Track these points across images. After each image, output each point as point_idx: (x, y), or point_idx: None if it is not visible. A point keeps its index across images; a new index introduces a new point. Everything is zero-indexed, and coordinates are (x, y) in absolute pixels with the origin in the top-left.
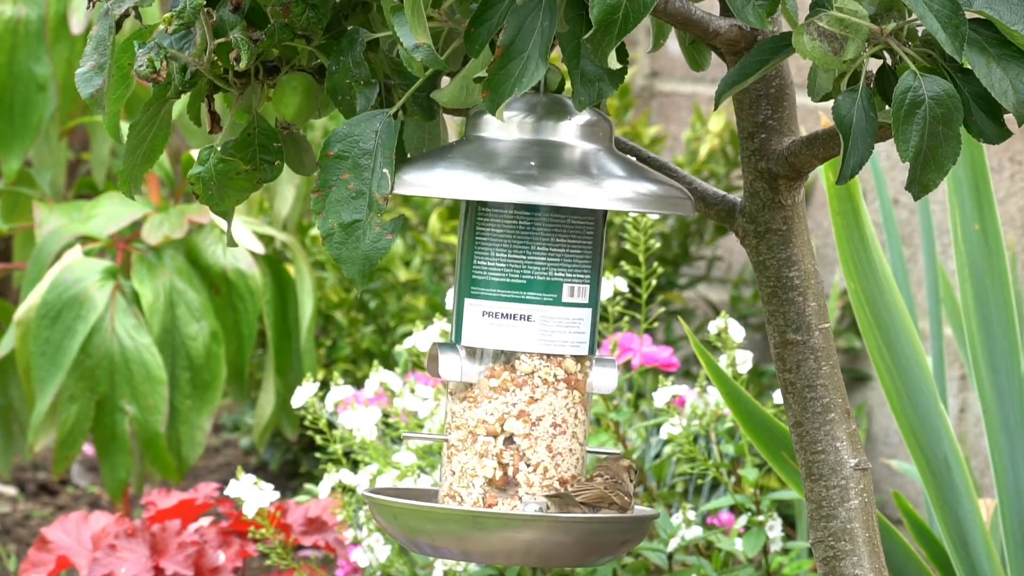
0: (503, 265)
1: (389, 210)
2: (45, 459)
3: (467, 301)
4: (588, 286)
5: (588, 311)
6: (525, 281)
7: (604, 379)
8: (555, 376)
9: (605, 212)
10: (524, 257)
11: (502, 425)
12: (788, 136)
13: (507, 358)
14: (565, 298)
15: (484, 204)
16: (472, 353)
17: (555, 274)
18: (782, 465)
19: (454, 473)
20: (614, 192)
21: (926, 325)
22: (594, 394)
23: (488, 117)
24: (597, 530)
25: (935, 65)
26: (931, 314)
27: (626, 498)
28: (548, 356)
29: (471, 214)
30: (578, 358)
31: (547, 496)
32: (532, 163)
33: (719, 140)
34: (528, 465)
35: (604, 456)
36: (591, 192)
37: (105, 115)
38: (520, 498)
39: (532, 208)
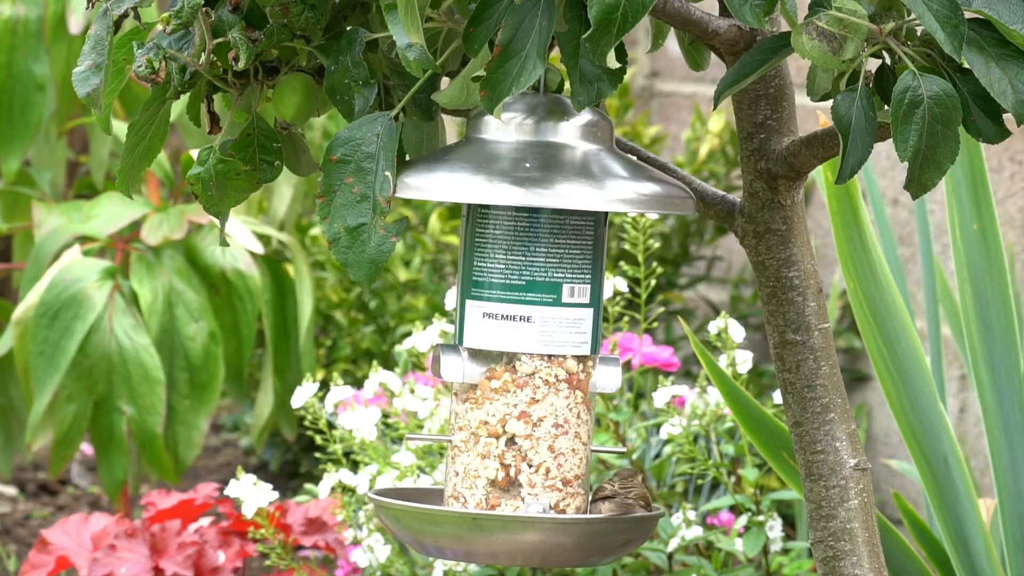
0: (503, 266)
1: (390, 211)
2: (45, 459)
3: (468, 302)
4: (589, 286)
5: (589, 311)
6: (525, 282)
7: (607, 378)
8: (556, 376)
9: (606, 212)
10: (523, 258)
11: (503, 426)
12: (787, 136)
13: (508, 359)
14: (565, 298)
15: (484, 205)
16: (474, 354)
17: (555, 275)
18: (782, 465)
19: (457, 474)
20: (615, 193)
21: (924, 325)
22: (598, 393)
23: (488, 118)
24: (599, 531)
25: (934, 65)
26: (928, 314)
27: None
28: (549, 357)
29: (471, 215)
30: (580, 358)
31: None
32: (532, 165)
33: (719, 140)
34: (530, 466)
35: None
36: (592, 194)
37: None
38: (523, 499)
39: (531, 209)
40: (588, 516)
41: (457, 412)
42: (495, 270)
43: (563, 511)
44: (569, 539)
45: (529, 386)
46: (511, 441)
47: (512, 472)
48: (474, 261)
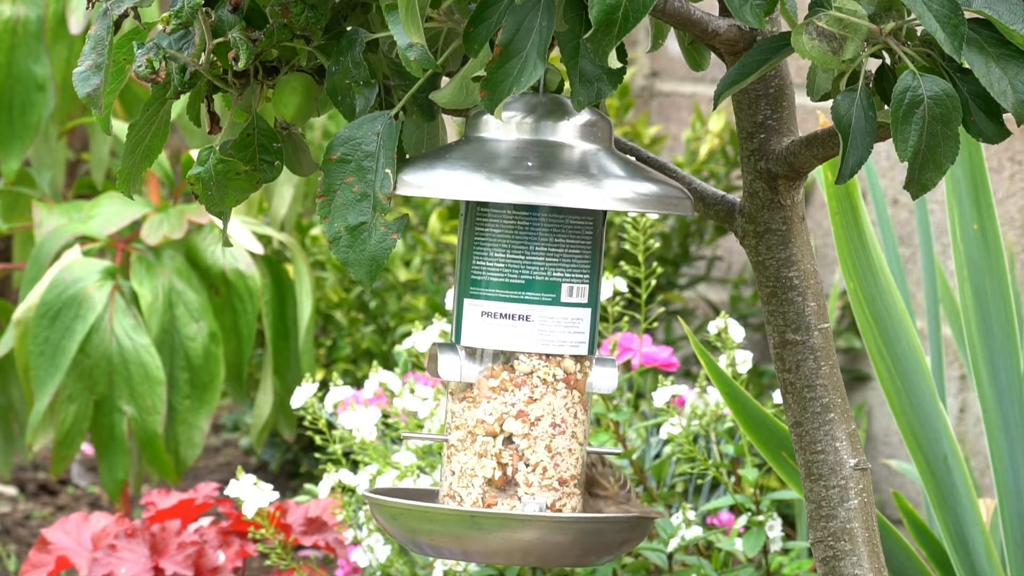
0: (502, 265)
1: (391, 210)
2: (45, 459)
3: (466, 301)
4: (587, 286)
5: (587, 311)
6: (524, 281)
7: (604, 379)
8: (554, 376)
9: (604, 212)
10: (523, 257)
11: (501, 425)
12: (787, 136)
13: (506, 358)
14: (564, 298)
15: (483, 204)
16: (472, 353)
17: (554, 274)
18: (782, 465)
19: (454, 473)
20: (614, 192)
21: (924, 325)
22: (594, 394)
23: (488, 118)
24: (596, 530)
25: (934, 65)
26: (928, 314)
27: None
28: (547, 356)
29: (470, 214)
30: (577, 358)
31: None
32: (531, 163)
33: (719, 140)
34: (527, 465)
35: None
36: (591, 192)
37: None
38: (519, 498)
39: (531, 208)
40: (587, 515)
41: (454, 411)
42: (494, 269)
43: (559, 511)
44: (567, 538)
45: (527, 385)
46: (508, 440)
47: (509, 471)
48: (473, 260)
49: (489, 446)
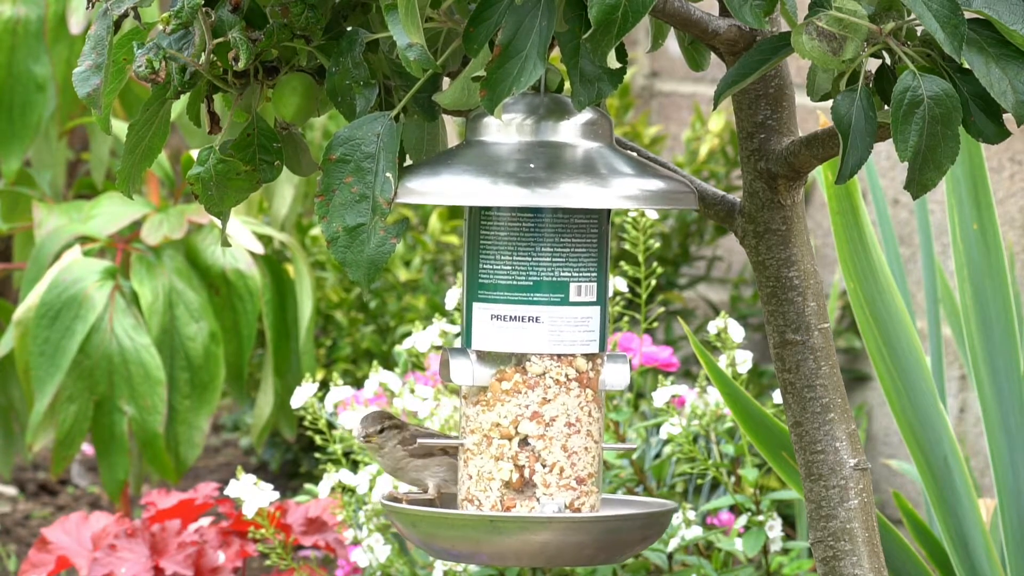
0: (509, 267)
1: (390, 212)
2: (45, 459)
3: (475, 305)
4: (595, 284)
5: (596, 309)
6: (532, 282)
7: (616, 375)
8: (567, 376)
9: (610, 209)
10: (530, 259)
11: (516, 427)
12: (787, 136)
13: (518, 360)
14: (573, 297)
15: (487, 207)
16: (483, 356)
17: (561, 274)
18: (782, 465)
19: (471, 477)
20: (620, 191)
21: (924, 325)
22: (607, 391)
23: (488, 120)
24: (615, 528)
25: (934, 65)
26: (928, 314)
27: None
28: (559, 356)
29: (474, 217)
30: (589, 356)
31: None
32: (536, 166)
33: (719, 140)
34: (544, 466)
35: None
36: (597, 192)
37: None
38: (538, 499)
39: (535, 209)
40: (606, 515)
41: (468, 415)
42: (501, 272)
43: (578, 509)
44: (588, 537)
45: (540, 386)
46: (524, 442)
47: (526, 473)
48: (480, 263)
49: (505, 449)
